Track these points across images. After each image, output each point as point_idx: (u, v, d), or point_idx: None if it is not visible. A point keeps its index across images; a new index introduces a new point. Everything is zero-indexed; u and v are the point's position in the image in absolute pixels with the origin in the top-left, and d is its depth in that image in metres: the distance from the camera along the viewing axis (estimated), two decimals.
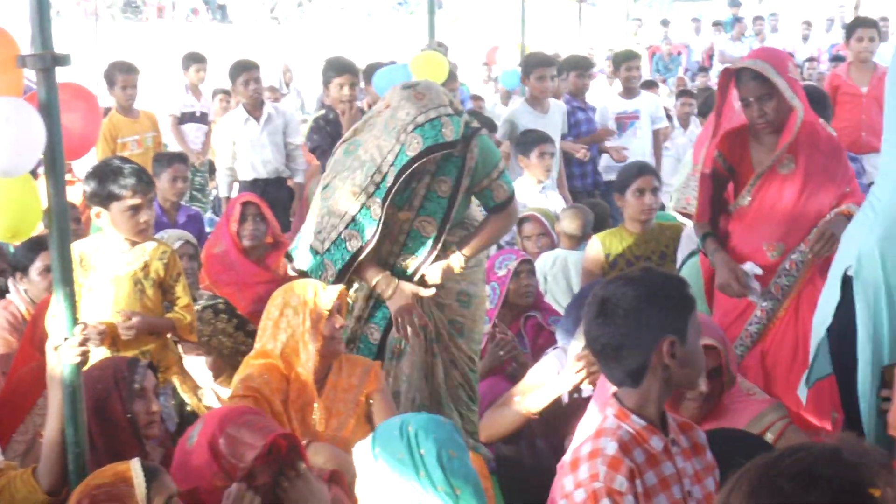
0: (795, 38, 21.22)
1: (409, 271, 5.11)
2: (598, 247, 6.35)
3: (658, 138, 10.34)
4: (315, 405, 4.50)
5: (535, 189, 8.02)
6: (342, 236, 4.95)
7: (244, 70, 9.40)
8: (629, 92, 10.33)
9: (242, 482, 3.57)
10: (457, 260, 5.11)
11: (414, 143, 4.78)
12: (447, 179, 5.03)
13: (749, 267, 5.14)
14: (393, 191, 4.84)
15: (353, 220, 4.93)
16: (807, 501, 1.95)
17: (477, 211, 5.38)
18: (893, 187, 4.11)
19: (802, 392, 4.57)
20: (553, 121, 8.99)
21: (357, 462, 3.31)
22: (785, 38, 20.83)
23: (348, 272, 5.01)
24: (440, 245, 5.10)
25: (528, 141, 8.20)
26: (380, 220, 4.88)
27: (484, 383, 5.55)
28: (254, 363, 4.51)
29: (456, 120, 4.82)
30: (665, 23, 23.66)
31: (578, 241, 6.93)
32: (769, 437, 4.10)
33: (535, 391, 4.62)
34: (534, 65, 9.04)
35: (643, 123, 10.15)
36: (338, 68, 8.14)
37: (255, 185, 9.11)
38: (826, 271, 4.66)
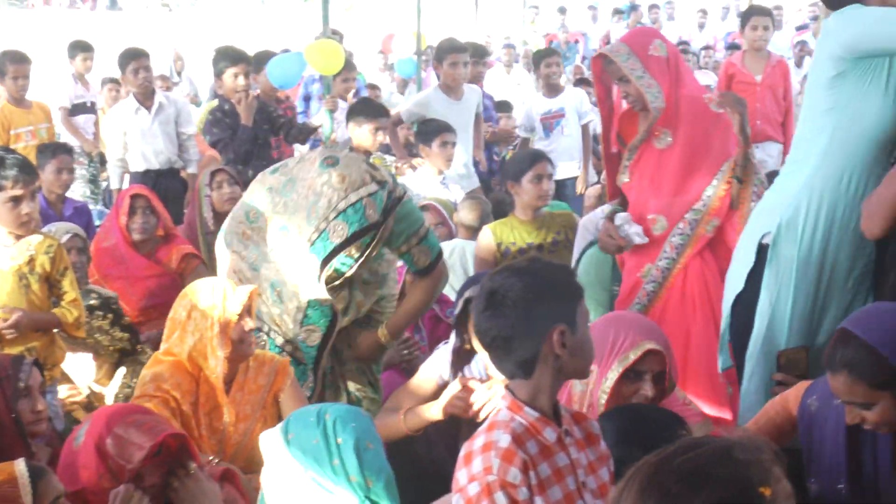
0: (692, 26, 21.45)
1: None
2: (490, 236, 6.33)
3: (587, 133, 10.33)
4: (224, 408, 4.40)
5: (436, 179, 7.98)
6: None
7: (134, 58, 9.21)
8: (551, 89, 10.33)
9: (130, 483, 3.49)
10: (382, 336, 5.06)
11: (338, 229, 4.70)
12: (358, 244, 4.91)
13: (619, 219, 5.34)
14: (323, 275, 4.77)
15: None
16: (695, 502, 1.94)
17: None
18: (817, 162, 4.34)
19: (725, 360, 4.78)
20: (467, 107, 8.95)
21: (265, 448, 3.29)
22: (681, 26, 21.06)
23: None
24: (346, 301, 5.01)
25: (430, 130, 8.14)
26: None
27: (382, 376, 5.52)
28: (163, 359, 4.41)
29: (379, 196, 4.74)
30: (562, 10, 23.76)
31: (476, 232, 6.90)
32: None
33: (414, 410, 4.54)
34: (447, 51, 8.98)
35: (570, 120, 10.15)
36: (230, 58, 8.05)
37: (147, 177, 8.96)
38: (713, 245, 5.25)
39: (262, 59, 9.55)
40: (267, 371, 4.54)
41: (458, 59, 8.87)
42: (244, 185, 8.04)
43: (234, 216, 5.00)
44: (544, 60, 10.37)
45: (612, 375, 3.82)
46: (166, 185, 8.92)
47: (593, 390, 3.85)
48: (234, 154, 8.13)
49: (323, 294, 4.75)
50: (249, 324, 4.41)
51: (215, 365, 4.33)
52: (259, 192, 4.94)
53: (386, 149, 9.06)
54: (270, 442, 3.29)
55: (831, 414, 3.52)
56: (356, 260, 4.80)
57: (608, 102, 5.65)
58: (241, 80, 7.99)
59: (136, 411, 3.75)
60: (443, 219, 7.15)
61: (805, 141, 4.43)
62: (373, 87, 13.52)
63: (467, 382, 4.31)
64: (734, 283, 4.63)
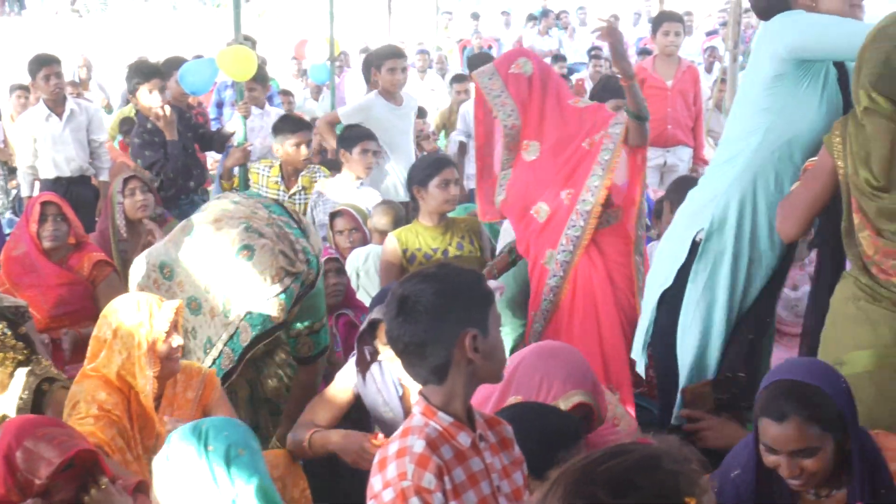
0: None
1: None
2: (395, 243, 6.29)
3: None
4: (157, 425, 4.36)
5: (353, 185, 7.94)
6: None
7: (45, 64, 9.09)
8: None
9: (38, 498, 3.45)
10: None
11: (245, 333, 4.75)
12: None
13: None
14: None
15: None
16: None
17: None
18: (748, 160, 4.46)
19: (638, 357, 4.89)
20: (408, 113, 8.93)
21: (154, 469, 3.31)
22: (593, 32, 21.19)
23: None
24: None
25: (351, 136, 8.10)
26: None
27: None
28: (91, 375, 4.35)
29: (290, 291, 4.77)
30: (475, 16, 23.84)
31: None
32: None
33: (320, 435, 4.52)
34: (384, 56, 8.93)
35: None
36: (143, 74, 7.95)
37: (58, 184, 8.86)
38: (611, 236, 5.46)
39: (173, 65, 9.47)
40: (195, 384, 4.51)
41: (396, 65, 8.81)
42: (191, 192, 8.02)
43: (149, 262, 4.99)
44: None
45: None
46: (77, 192, 8.82)
47: None
48: (174, 172, 8.04)
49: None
50: (177, 340, 4.36)
51: (144, 384, 4.29)
52: (173, 254, 4.93)
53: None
54: (156, 461, 3.36)
55: (729, 489, 3.53)
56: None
57: (486, 122, 5.79)
58: (156, 97, 7.91)
59: (47, 424, 3.72)
60: (357, 224, 7.13)
61: (736, 139, 4.52)
62: (286, 93, 13.46)
63: (376, 439, 4.33)
64: (660, 279, 4.70)
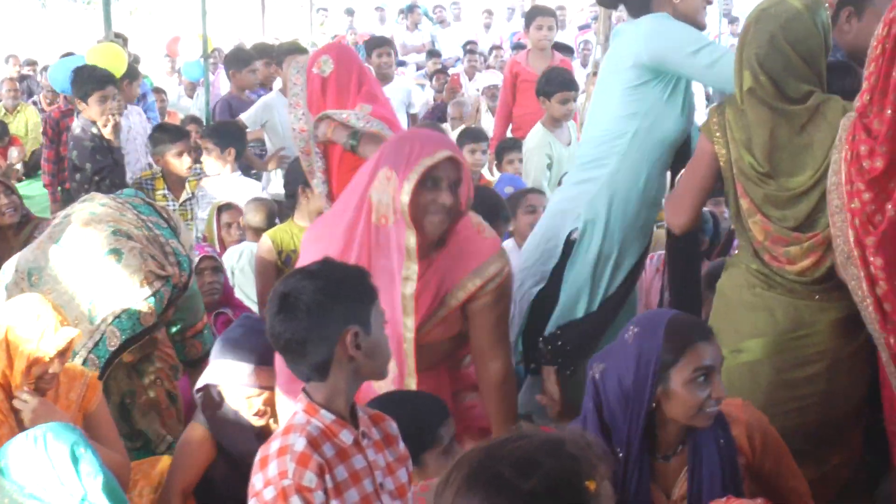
0: (478, 26, 21.69)
1: None
2: (269, 244, 6.22)
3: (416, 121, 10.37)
4: None
5: (233, 177, 7.85)
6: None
7: None
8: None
9: None
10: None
11: (113, 338, 4.66)
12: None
13: None
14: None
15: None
16: (524, 488, 1.97)
17: None
18: (616, 163, 4.54)
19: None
20: None
21: None
22: (467, 27, 21.27)
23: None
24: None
25: (226, 133, 8.04)
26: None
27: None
28: None
29: (160, 294, 4.69)
30: (350, 12, 23.74)
31: (262, 233, 6.84)
32: (490, 287, 4.04)
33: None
34: (286, 53, 8.81)
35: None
36: (98, 81, 7.72)
37: None
38: None
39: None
40: (78, 386, 4.37)
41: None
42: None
43: (18, 269, 4.87)
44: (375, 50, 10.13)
45: (412, 179, 3.76)
46: None
47: (395, 197, 3.79)
48: (120, 178, 7.86)
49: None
50: (55, 368, 4.17)
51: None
52: (41, 261, 4.81)
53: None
54: None
55: None
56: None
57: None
58: (112, 103, 7.72)
59: None
60: (235, 221, 7.09)
61: (601, 143, 4.59)
62: (158, 90, 13.27)
63: None
64: (534, 277, 4.74)
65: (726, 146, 4.03)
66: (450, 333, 4.08)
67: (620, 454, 3.25)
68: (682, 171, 4.50)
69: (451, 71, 15.59)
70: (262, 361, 4.18)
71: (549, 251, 4.71)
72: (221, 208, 7.15)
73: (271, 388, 4.15)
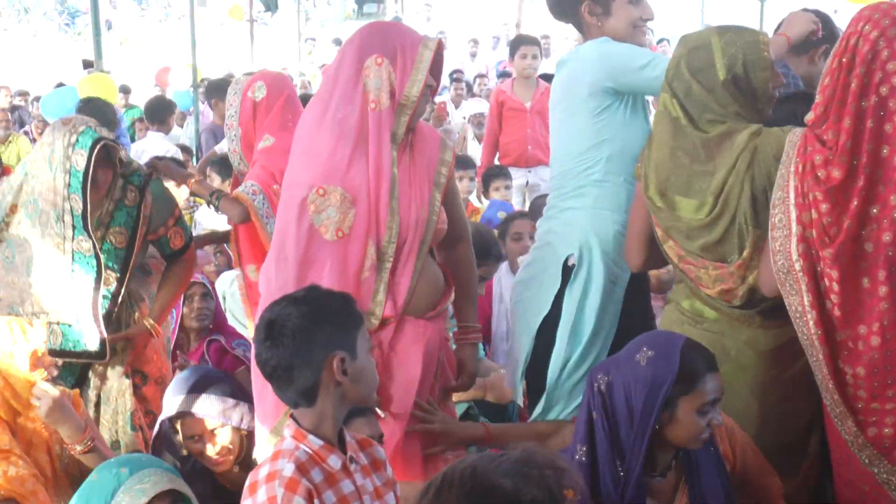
0: (464, 55, 21.80)
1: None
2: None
3: None
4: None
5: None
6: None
7: None
8: None
9: None
10: (150, 326, 5.06)
11: (79, 158, 4.69)
12: (122, 230, 4.94)
13: None
14: (89, 212, 4.74)
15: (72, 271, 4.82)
16: (527, 498, 2.07)
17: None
18: (596, 191, 4.56)
19: (516, 385, 4.89)
20: None
21: None
22: (453, 56, 21.38)
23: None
24: (121, 296, 4.98)
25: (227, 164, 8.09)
26: (96, 248, 4.79)
27: None
28: None
29: (88, 136, 4.75)
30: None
31: None
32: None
33: None
34: None
35: None
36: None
37: None
38: None
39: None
40: None
41: None
42: None
43: None
44: None
45: (423, 69, 4.03)
46: None
47: (392, 83, 4.02)
48: None
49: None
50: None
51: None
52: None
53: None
54: None
55: None
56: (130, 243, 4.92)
57: None
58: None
59: None
60: (220, 248, 7.13)
61: (576, 175, 4.60)
62: (143, 120, 13.29)
63: None
64: (536, 304, 4.70)
65: (643, 179, 4.12)
66: (443, 229, 4.27)
67: (621, 471, 3.33)
68: None
69: (437, 99, 15.65)
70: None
71: (549, 280, 4.68)
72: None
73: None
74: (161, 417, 4.40)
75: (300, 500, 2.89)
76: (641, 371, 3.32)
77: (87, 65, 11.65)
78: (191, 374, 4.46)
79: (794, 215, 3.54)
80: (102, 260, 4.85)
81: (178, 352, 5.96)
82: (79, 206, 4.72)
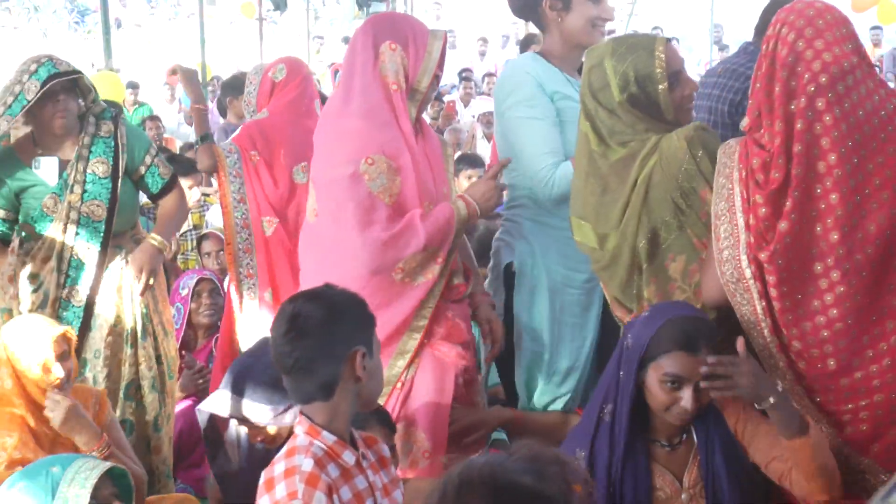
0: (473, 54, 21.82)
1: (85, 265, 5.00)
2: None
3: None
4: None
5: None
6: None
7: None
8: None
9: None
10: (158, 243, 5.09)
11: (32, 87, 4.81)
12: (104, 160, 4.99)
13: None
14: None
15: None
16: (548, 493, 2.10)
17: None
18: (529, 197, 4.63)
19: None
20: None
21: None
22: (463, 54, 21.40)
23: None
24: (113, 229, 5.03)
25: None
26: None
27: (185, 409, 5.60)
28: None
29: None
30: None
31: None
32: None
33: None
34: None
35: None
36: None
37: None
38: None
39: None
40: (91, 405, 4.38)
41: None
42: None
43: None
44: None
45: (434, 57, 4.22)
46: None
47: (407, 67, 4.21)
48: None
49: None
50: (59, 372, 4.23)
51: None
52: None
53: None
54: None
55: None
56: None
57: None
58: None
59: None
60: (222, 245, 7.17)
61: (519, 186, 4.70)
62: (154, 118, 13.30)
63: None
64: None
65: None
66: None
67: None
68: None
69: (446, 98, 15.70)
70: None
71: (495, 283, 4.81)
72: (202, 238, 7.25)
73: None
74: (209, 409, 4.28)
75: (321, 496, 2.88)
76: (638, 328, 3.45)
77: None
78: (238, 371, 4.07)
79: (741, 222, 3.48)
80: (89, 190, 4.94)
81: (184, 351, 5.98)
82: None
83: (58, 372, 4.18)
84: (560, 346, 4.65)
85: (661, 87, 3.81)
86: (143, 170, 5.12)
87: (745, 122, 3.54)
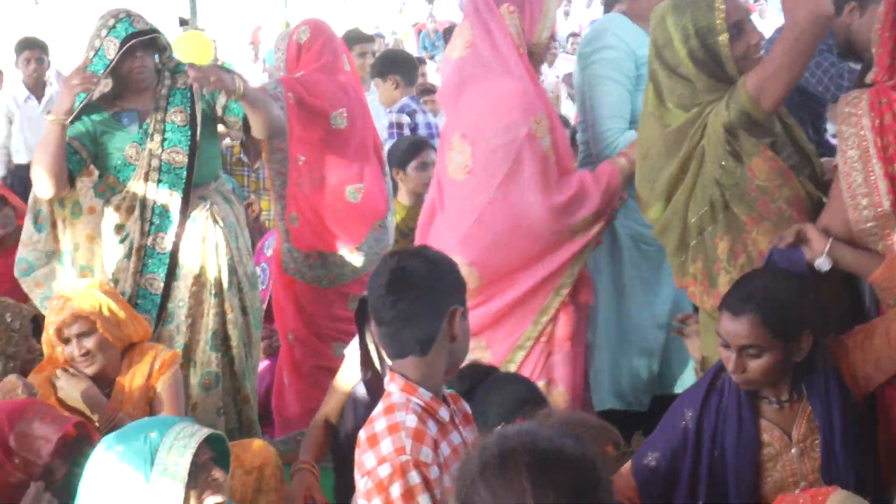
0: (557, 13, 21.65)
1: (170, 212, 5.11)
2: None
3: None
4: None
5: None
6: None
7: (27, 48, 9.25)
8: None
9: (40, 481, 3.50)
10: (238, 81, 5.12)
11: (111, 45, 4.91)
12: (181, 109, 5.11)
13: None
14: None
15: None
16: (590, 457, 2.12)
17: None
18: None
19: None
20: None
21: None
22: None
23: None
24: (193, 177, 5.13)
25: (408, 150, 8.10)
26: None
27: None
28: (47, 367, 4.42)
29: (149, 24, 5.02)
30: (430, 0, 23.82)
31: None
32: None
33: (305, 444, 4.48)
34: (353, 41, 8.93)
35: None
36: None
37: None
38: None
39: None
40: (149, 362, 4.53)
41: (365, 49, 8.87)
42: None
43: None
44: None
45: (552, 17, 4.51)
46: None
47: (525, 29, 4.42)
48: None
49: None
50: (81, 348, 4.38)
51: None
52: None
53: None
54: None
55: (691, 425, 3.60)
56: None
57: None
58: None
59: (33, 404, 3.75)
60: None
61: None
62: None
63: None
64: None
65: None
66: None
67: None
68: None
69: None
70: None
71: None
72: None
73: None
74: None
75: (427, 451, 2.89)
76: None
77: (183, 22, 11.73)
78: None
79: (878, 170, 3.43)
80: (168, 138, 5.06)
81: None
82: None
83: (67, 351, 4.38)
84: (631, 300, 4.80)
85: (720, 38, 3.79)
86: (219, 110, 5.23)
87: (871, 75, 3.51)
